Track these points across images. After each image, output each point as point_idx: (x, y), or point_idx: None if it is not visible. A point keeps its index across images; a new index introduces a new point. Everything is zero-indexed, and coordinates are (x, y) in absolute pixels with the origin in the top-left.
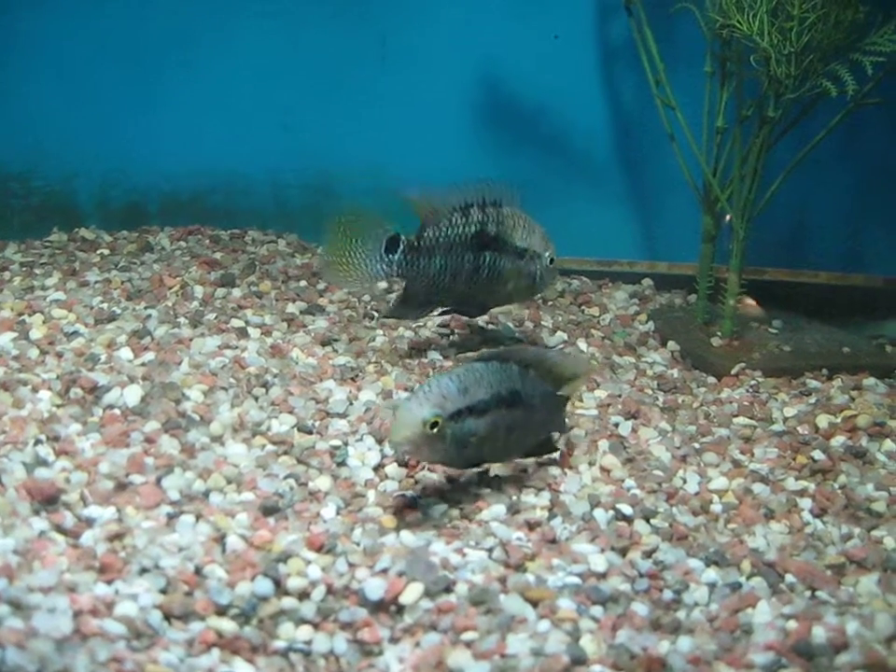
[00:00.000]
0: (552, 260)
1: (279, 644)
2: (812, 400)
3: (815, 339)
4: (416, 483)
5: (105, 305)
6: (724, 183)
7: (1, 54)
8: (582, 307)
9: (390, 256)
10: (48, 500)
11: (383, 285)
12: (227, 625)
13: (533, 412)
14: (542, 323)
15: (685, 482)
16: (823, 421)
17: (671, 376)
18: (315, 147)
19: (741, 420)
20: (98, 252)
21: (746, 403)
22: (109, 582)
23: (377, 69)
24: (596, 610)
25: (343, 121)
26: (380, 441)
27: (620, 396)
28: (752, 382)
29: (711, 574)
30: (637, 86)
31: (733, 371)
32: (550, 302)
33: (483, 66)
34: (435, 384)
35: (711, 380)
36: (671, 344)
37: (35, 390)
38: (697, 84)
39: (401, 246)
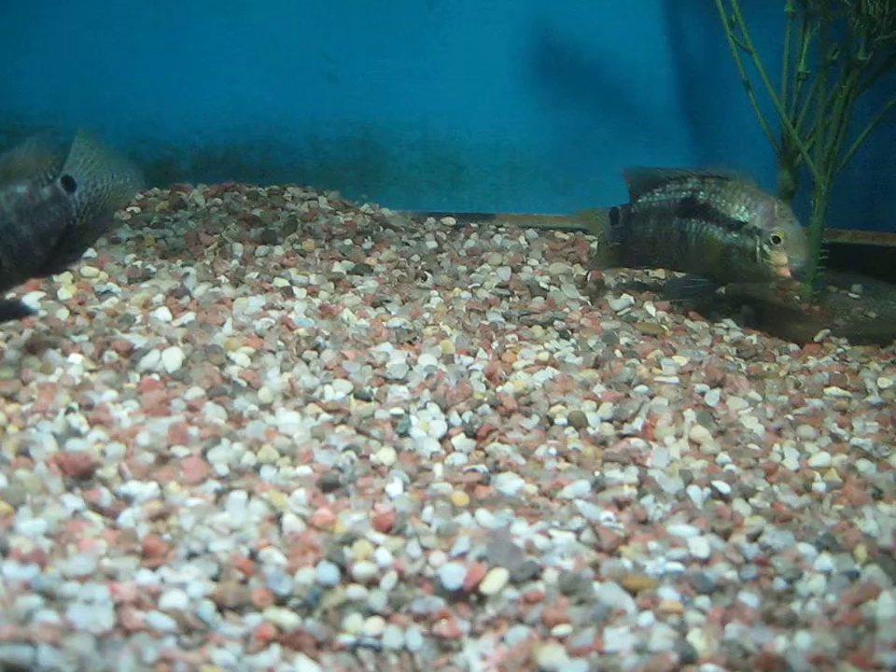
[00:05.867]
0: (776, 239)
1: (346, 639)
2: None
3: None
4: (486, 455)
5: (138, 263)
6: (804, 135)
7: (27, 3)
8: (646, 269)
9: (614, 225)
10: (81, 475)
11: None
12: (287, 618)
13: (14, 232)
14: (606, 285)
15: (783, 457)
16: None
17: (750, 342)
18: (359, 98)
19: (834, 391)
20: (128, 209)
21: (836, 372)
22: (154, 569)
23: (424, 15)
24: (702, 601)
25: (388, 71)
26: (445, 410)
27: (701, 362)
28: (839, 350)
29: (825, 561)
30: (704, 29)
31: (816, 338)
32: None
33: (536, 11)
34: None
35: (793, 347)
36: (745, 309)
37: (64, 354)
38: (776, 26)
39: (620, 216)
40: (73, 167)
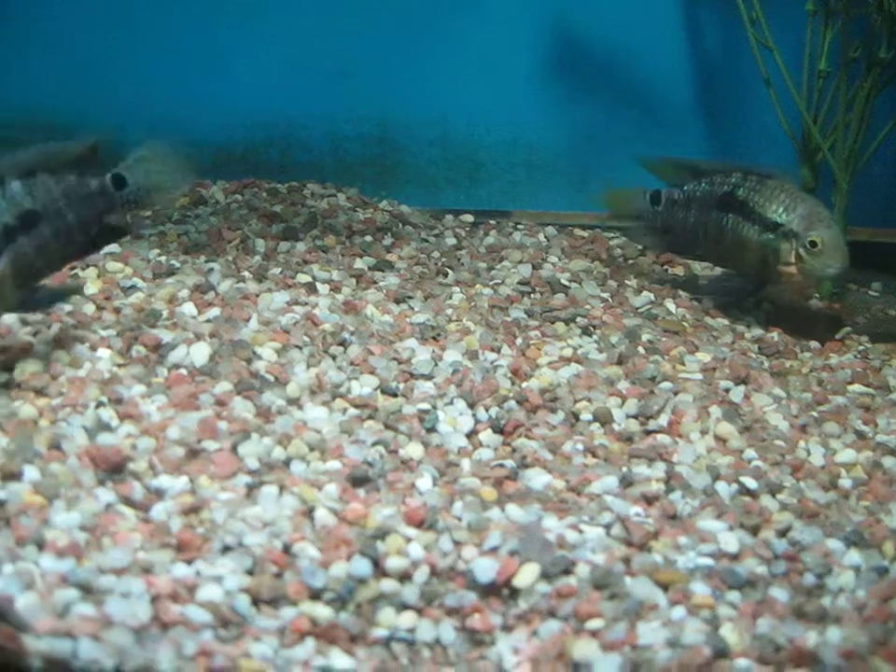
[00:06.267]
0: (813, 244)
1: (380, 632)
2: None
3: None
4: (513, 451)
5: (162, 259)
6: (825, 132)
7: (51, 3)
8: (665, 266)
9: (655, 207)
10: (113, 469)
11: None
12: (322, 611)
13: (62, 217)
14: (626, 282)
15: (809, 453)
16: None
17: (771, 339)
18: (377, 95)
19: (857, 388)
20: None
21: (859, 370)
22: (189, 562)
23: (442, 12)
24: (733, 596)
25: (406, 69)
26: (472, 405)
27: (724, 359)
28: (860, 347)
29: (854, 556)
30: (722, 25)
31: (837, 336)
32: (631, 261)
33: (554, 8)
34: None
35: (814, 344)
36: (766, 306)
37: (93, 348)
38: (797, 24)
39: (663, 199)
40: (128, 167)
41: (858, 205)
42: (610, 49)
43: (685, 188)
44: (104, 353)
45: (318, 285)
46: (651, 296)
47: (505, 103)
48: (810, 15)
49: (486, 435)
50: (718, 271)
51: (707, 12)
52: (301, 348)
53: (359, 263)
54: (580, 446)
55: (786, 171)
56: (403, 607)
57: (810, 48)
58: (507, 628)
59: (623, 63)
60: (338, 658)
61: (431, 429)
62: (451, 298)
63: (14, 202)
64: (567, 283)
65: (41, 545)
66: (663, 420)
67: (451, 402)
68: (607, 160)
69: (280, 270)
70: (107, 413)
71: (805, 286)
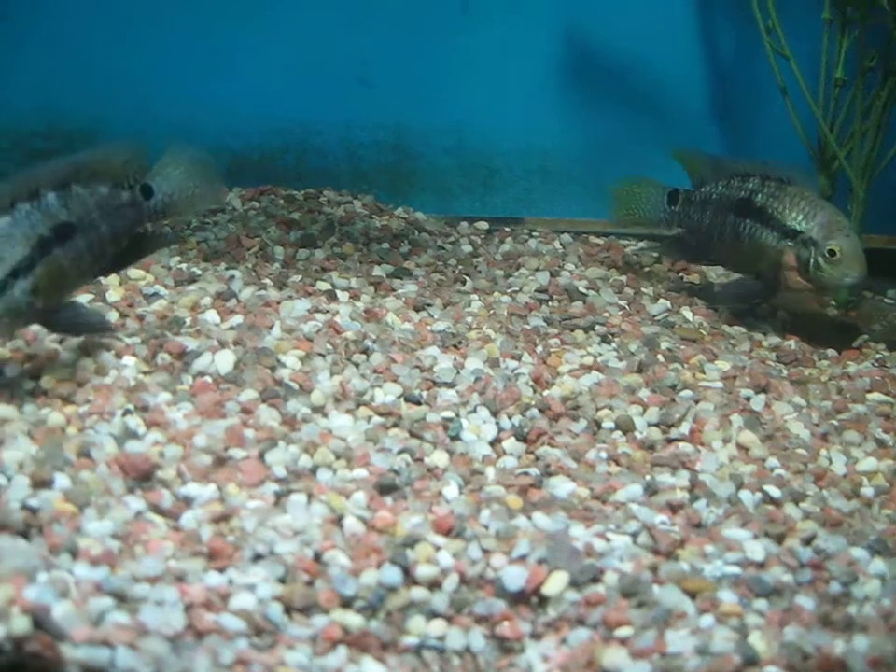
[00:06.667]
0: (832, 252)
1: (410, 640)
2: None
3: None
4: (537, 459)
5: (183, 266)
6: (841, 140)
7: (64, 6)
8: (681, 274)
9: (672, 207)
10: (142, 477)
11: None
12: (353, 619)
13: (95, 229)
14: (643, 290)
15: (831, 462)
16: None
17: (789, 347)
18: (392, 102)
19: (876, 396)
20: None
21: (877, 378)
22: (221, 571)
23: (458, 20)
24: (760, 604)
25: (421, 76)
26: (495, 413)
27: (744, 368)
28: (877, 355)
29: (879, 565)
30: (737, 33)
31: (854, 344)
32: (647, 269)
33: (569, 15)
34: None
35: (831, 352)
36: (781, 314)
37: (118, 356)
38: (813, 32)
39: (680, 199)
40: (154, 177)
41: (874, 213)
42: (626, 56)
43: (702, 189)
44: (129, 360)
45: (338, 292)
46: (668, 304)
47: (519, 110)
48: (826, 24)
49: (510, 443)
50: (733, 277)
51: (722, 20)
52: (324, 356)
53: (377, 271)
54: (603, 454)
55: (808, 174)
56: (433, 615)
57: (826, 56)
58: (536, 636)
59: (639, 71)
60: (370, 666)
61: (455, 437)
62: (469, 305)
63: (49, 213)
64: (584, 291)
65: (74, 553)
66: (684, 428)
67: (474, 410)
68: (621, 168)
69: (300, 277)
70: (134, 421)
71: (821, 293)
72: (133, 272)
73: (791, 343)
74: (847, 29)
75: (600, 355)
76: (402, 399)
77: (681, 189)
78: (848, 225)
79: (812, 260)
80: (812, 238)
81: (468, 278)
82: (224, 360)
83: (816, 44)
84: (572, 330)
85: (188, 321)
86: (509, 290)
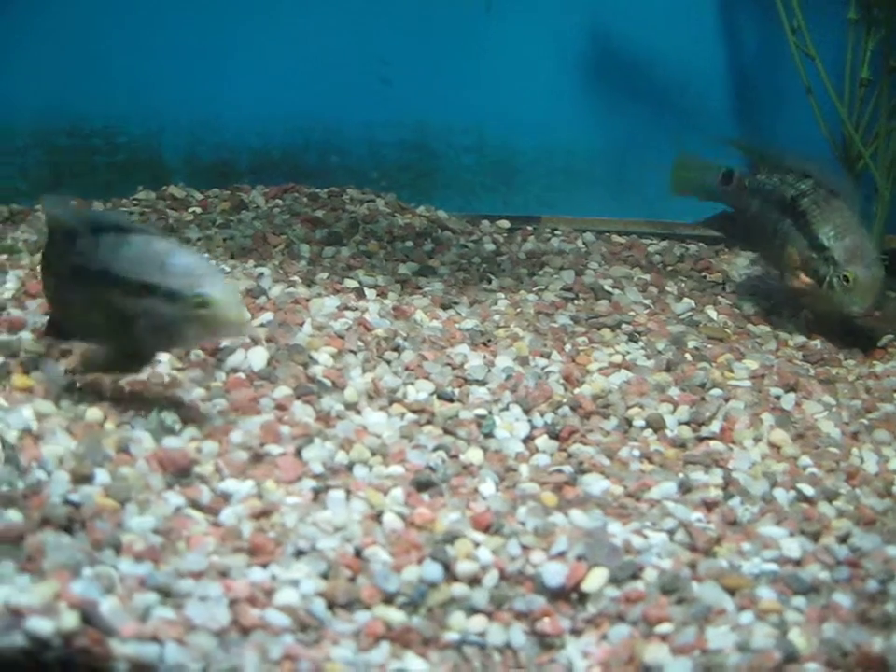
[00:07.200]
0: (846, 279)
1: (452, 636)
2: None
3: None
4: (570, 456)
5: (212, 263)
6: (866, 140)
7: (82, 5)
8: (703, 273)
9: (725, 187)
10: (181, 472)
11: None
12: (395, 615)
13: None
14: (667, 289)
15: (862, 461)
16: None
17: (815, 347)
18: (414, 101)
19: None
20: (190, 210)
21: None
22: (264, 566)
23: (481, 18)
24: (799, 601)
25: (443, 74)
26: (527, 411)
27: (772, 367)
28: None
29: None
30: (760, 31)
31: (879, 344)
32: (670, 267)
33: (591, 14)
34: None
35: (857, 352)
36: (805, 313)
37: None
38: (839, 32)
39: (734, 180)
40: None
41: None
42: (648, 55)
43: (757, 176)
44: (163, 356)
45: (366, 290)
46: (692, 302)
47: (541, 108)
48: (852, 23)
49: (542, 440)
50: (755, 273)
51: (746, 19)
52: (355, 353)
53: (403, 269)
54: (636, 452)
55: (854, 190)
56: (473, 611)
57: (852, 56)
58: (576, 632)
59: (661, 70)
60: (413, 662)
61: (489, 434)
62: (496, 304)
63: None
64: (609, 289)
65: (118, 549)
66: (715, 427)
67: (506, 408)
68: (643, 166)
69: (327, 275)
70: (170, 417)
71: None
72: None
73: (817, 342)
74: (873, 28)
75: (628, 353)
76: (435, 397)
77: (736, 170)
78: (873, 256)
79: (828, 279)
80: (834, 258)
81: (493, 276)
82: (257, 357)
83: (841, 43)
84: (599, 329)
85: None
86: (534, 289)
